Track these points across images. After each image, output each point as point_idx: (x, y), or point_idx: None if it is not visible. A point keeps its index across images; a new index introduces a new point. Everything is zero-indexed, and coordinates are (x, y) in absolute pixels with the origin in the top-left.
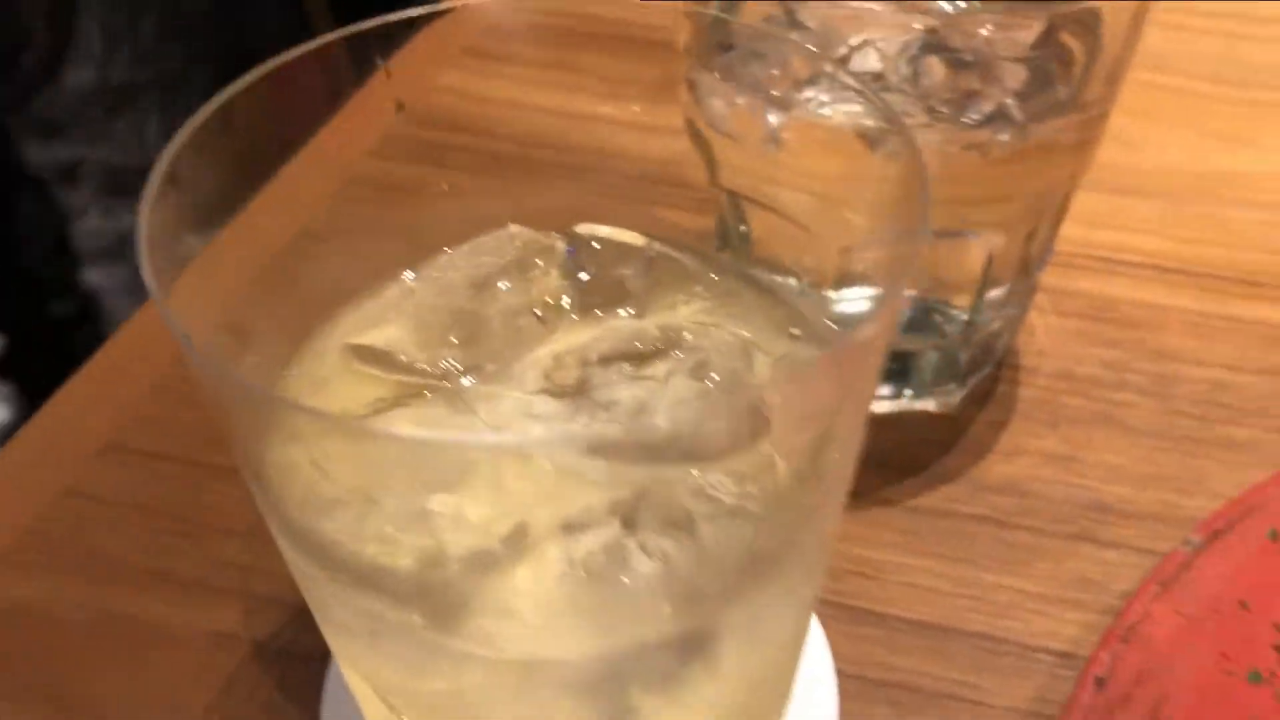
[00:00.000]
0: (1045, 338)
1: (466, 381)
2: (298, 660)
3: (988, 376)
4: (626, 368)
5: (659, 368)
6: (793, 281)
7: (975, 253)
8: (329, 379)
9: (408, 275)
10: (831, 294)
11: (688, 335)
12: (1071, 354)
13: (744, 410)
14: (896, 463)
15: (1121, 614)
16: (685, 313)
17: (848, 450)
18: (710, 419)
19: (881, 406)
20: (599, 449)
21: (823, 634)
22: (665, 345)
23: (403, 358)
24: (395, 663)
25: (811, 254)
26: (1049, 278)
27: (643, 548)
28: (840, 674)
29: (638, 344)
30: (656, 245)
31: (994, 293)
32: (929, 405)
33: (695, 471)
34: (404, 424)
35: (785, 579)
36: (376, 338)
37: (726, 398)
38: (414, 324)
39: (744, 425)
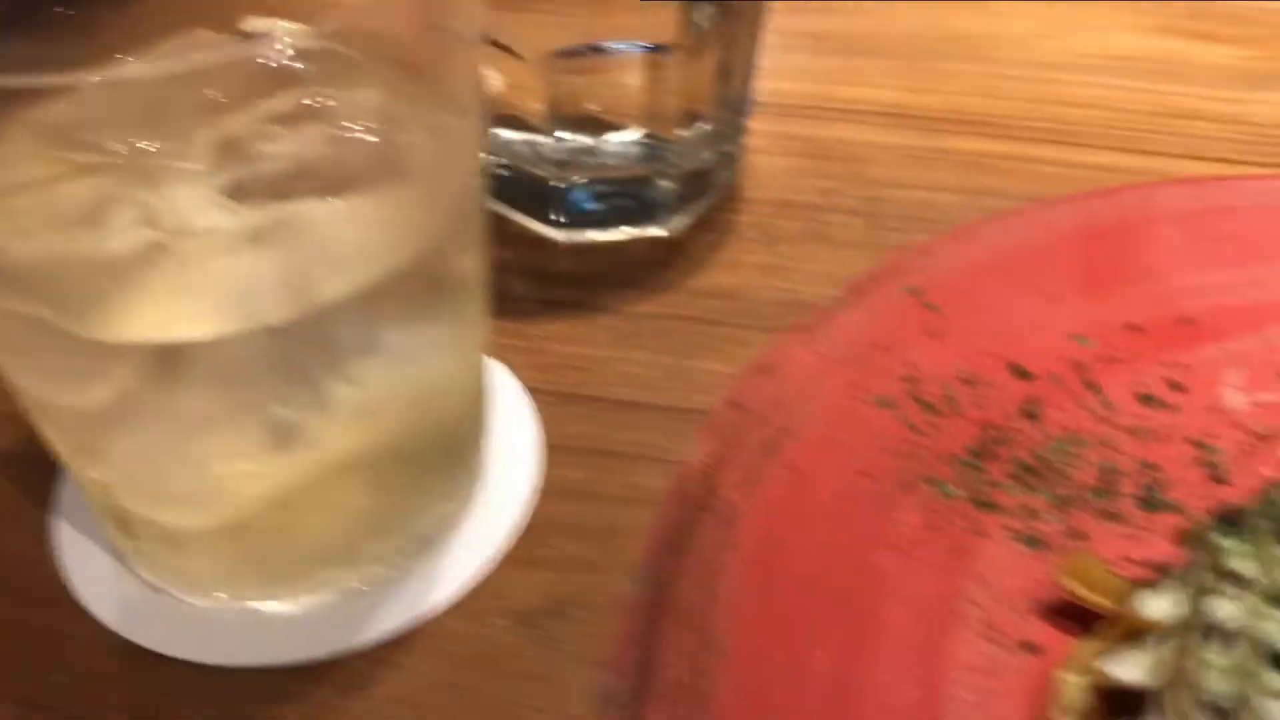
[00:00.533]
0: (768, 174)
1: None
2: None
3: (712, 206)
4: (280, 130)
5: (308, 129)
6: None
7: (652, 74)
8: (5, 157)
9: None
10: None
11: (334, 103)
12: (791, 186)
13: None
14: (620, 278)
15: (764, 355)
16: (336, 93)
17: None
18: (333, 156)
19: (611, 235)
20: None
21: (533, 414)
22: (315, 113)
23: (81, 137)
24: (47, 377)
25: None
26: (777, 125)
27: (261, 238)
28: (549, 445)
29: (293, 112)
30: (319, 38)
31: (701, 126)
32: (655, 231)
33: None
34: (80, 190)
35: (413, 296)
36: (54, 117)
37: (353, 140)
38: (92, 107)
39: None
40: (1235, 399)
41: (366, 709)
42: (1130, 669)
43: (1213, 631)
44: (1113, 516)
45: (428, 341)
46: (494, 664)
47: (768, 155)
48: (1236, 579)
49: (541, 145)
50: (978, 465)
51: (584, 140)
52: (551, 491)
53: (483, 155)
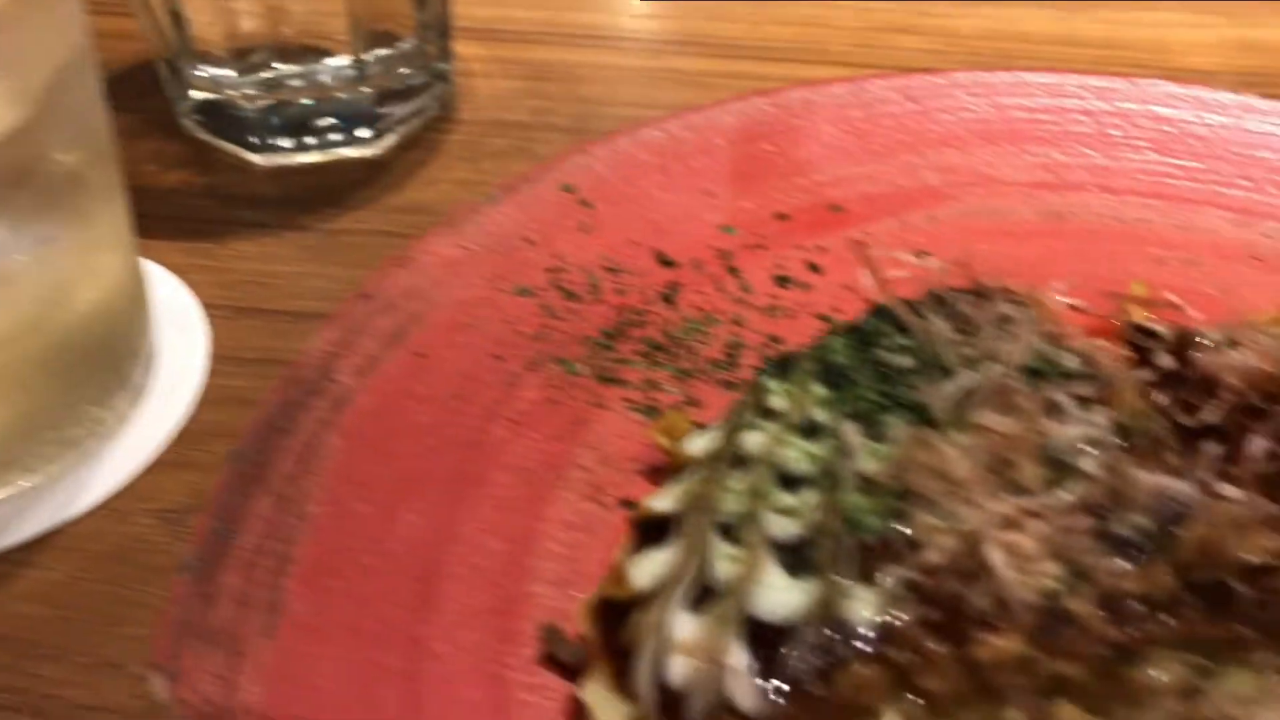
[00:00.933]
0: (486, 96)
1: None
2: None
3: (425, 127)
4: None
5: None
6: None
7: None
8: None
9: None
10: None
11: None
12: (506, 106)
13: None
14: (318, 199)
15: (406, 249)
16: None
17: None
18: None
19: (314, 157)
20: None
21: (206, 328)
22: None
23: None
24: None
25: None
26: (501, 50)
27: None
28: (219, 356)
29: None
30: None
31: (400, 46)
32: (360, 152)
33: None
34: None
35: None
36: None
37: None
38: None
39: None
40: (867, 278)
41: (2, 610)
42: (664, 500)
43: (739, 460)
44: (731, 385)
45: (34, 238)
46: (135, 559)
47: (487, 79)
48: (772, 414)
49: (236, 73)
50: (609, 345)
51: (282, 67)
52: (214, 400)
53: (85, 53)
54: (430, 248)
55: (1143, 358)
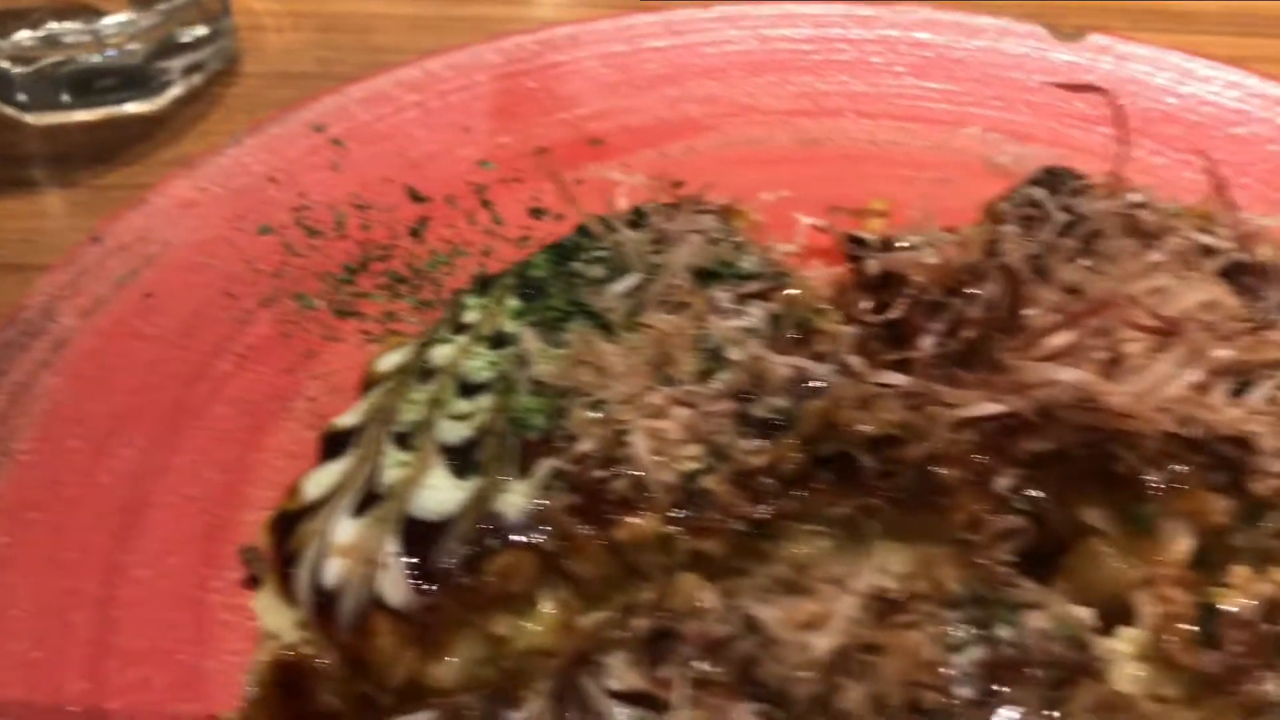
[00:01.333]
0: (274, 49)
1: None
2: None
3: (209, 82)
4: None
5: None
6: None
7: None
8: None
9: None
10: None
11: None
12: (293, 58)
13: None
14: (90, 155)
15: (142, 194)
16: None
17: None
18: None
19: (88, 114)
20: None
21: None
22: None
23: None
24: None
25: None
26: (290, 3)
27: None
28: None
29: None
30: None
31: (171, 3)
32: (135, 108)
33: None
34: None
35: None
36: None
37: None
38: None
39: None
40: (623, 203)
41: None
42: (350, 415)
43: (426, 373)
44: None
45: None
46: None
47: (277, 32)
48: (465, 328)
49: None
50: (350, 280)
51: (57, 25)
52: None
53: None
54: (166, 190)
55: (855, 264)
